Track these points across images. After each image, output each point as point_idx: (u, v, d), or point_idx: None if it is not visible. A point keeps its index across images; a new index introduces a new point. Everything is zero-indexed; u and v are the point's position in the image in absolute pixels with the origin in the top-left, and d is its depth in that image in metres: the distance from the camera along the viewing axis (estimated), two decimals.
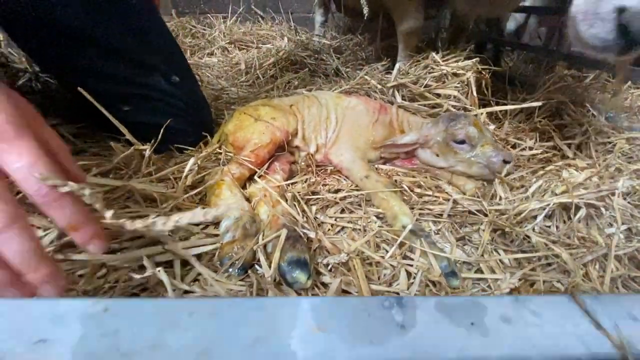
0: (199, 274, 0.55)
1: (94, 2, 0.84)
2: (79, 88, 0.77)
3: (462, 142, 0.83)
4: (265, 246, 0.59)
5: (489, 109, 1.02)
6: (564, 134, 1.03)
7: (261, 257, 0.56)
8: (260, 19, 2.74)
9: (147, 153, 0.76)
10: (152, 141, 0.80)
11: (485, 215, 0.68)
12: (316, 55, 1.80)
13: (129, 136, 0.79)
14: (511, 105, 1.00)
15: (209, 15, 2.72)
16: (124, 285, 0.52)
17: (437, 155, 0.87)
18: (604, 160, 0.88)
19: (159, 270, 0.49)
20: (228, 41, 2.22)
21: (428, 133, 0.88)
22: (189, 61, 1.91)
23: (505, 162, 0.79)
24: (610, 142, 0.98)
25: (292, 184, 0.83)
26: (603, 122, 1.04)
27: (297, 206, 0.71)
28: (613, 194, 0.67)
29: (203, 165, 0.90)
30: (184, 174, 0.74)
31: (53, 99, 1.04)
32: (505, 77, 1.42)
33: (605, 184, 0.71)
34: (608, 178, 0.77)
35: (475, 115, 1.02)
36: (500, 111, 1.06)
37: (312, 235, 0.61)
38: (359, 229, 0.73)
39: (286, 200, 0.70)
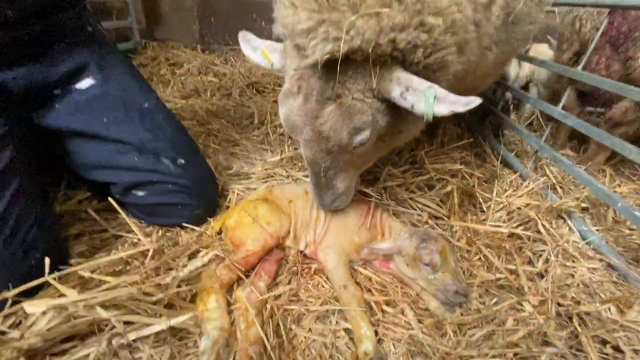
0: None
1: (114, 110, 1.00)
2: (109, 199, 0.93)
3: (427, 264, 0.92)
4: None
5: (462, 224, 1.12)
6: (531, 249, 1.12)
7: None
8: None
9: (150, 252, 0.89)
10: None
11: (433, 354, 0.79)
12: None
13: (140, 235, 0.93)
14: (481, 226, 1.10)
15: (231, 48, 2.88)
16: None
17: (407, 265, 0.97)
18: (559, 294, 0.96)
19: None
20: (247, 83, 2.36)
21: (401, 245, 0.98)
22: (210, 101, 2.08)
23: (459, 294, 0.88)
24: (574, 269, 1.06)
25: (275, 289, 0.96)
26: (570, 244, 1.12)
27: (271, 322, 0.84)
28: None
29: (203, 245, 1.04)
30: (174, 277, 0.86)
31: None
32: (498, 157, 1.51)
33: None
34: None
35: (451, 226, 1.13)
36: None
37: None
38: (329, 344, 0.84)
39: (262, 319, 0.83)
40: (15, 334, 0.67)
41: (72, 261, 0.86)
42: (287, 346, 0.83)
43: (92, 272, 0.81)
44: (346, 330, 0.88)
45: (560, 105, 1.39)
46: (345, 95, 0.80)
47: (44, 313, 0.69)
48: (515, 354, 0.77)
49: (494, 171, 1.53)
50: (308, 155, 0.91)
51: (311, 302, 0.95)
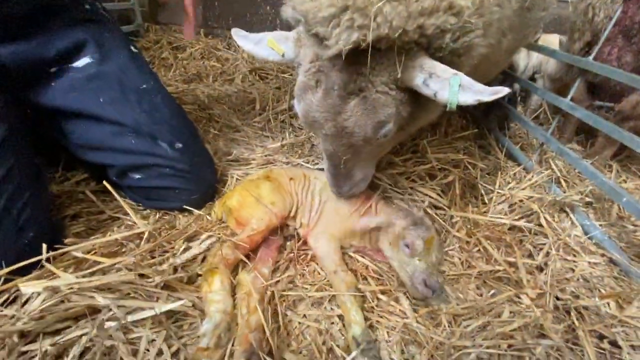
0: None
1: (110, 90, 0.98)
2: (104, 182, 0.92)
3: (407, 246, 0.91)
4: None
5: (463, 215, 1.10)
6: (532, 243, 1.11)
7: None
8: None
9: (145, 235, 0.89)
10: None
11: (426, 344, 0.79)
12: None
13: (134, 217, 0.92)
14: (481, 217, 1.09)
15: None
16: None
17: (389, 244, 0.96)
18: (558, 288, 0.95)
19: None
20: (249, 69, 2.32)
21: (394, 220, 0.97)
22: (212, 86, 2.06)
23: (427, 287, 0.87)
24: (575, 264, 1.05)
25: (273, 275, 0.95)
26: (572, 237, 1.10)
27: (269, 308, 0.83)
28: None
29: (202, 227, 1.03)
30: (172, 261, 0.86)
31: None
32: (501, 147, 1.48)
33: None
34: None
35: (451, 217, 1.11)
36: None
37: None
38: (323, 330, 0.84)
39: (264, 305, 0.82)
40: (8, 312, 0.67)
41: (66, 241, 0.86)
42: (283, 331, 0.83)
43: (87, 253, 0.81)
44: (340, 316, 0.87)
45: (569, 96, 1.35)
46: (369, 88, 0.76)
47: (38, 294, 0.69)
48: (509, 346, 0.76)
49: (497, 163, 1.50)
50: (328, 149, 0.89)
51: (307, 288, 0.94)
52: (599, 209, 1.28)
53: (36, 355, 0.64)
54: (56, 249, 0.81)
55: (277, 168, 1.17)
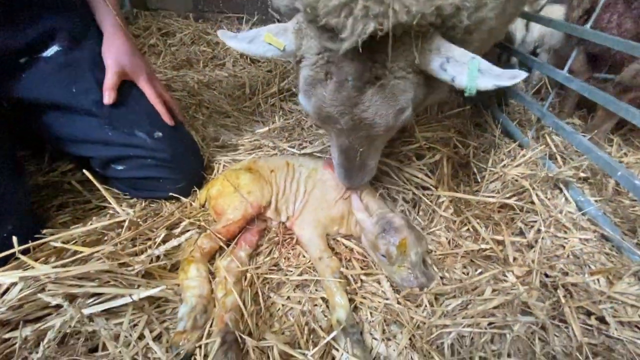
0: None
1: (82, 79, 0.96)
2: (84, 171, 0.91)
3: (383, 256, 0.88)
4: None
5: (450, 194, 1.08)
6: (523, 220, 1.08)
7: (198, 356, 0.69)
8: (276, 21, 2.74)
9: (126, 224, 0.89)
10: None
11: (407, 323, 0.78)
12: None
13: (115, 206, 0.92)
14: (470, 196, 1.06)
15: (226, 16, 2.76)
16: None
17: (371, 249, 0.94)
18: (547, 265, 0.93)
19: None
20: (240, 53, 2.27)
21: (367, 227, 0.93)
22: (202, 72, 2.03)
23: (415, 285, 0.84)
24: (565, 241, 1.03)
25: (256, 258, 0.95)
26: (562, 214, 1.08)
27: (250, 290, 0.84)
28: None
29: (184, 215, 1.04)
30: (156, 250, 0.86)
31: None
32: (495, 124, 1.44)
33: None
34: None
35: (437, 197, 1.09)
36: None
37: (248, 341, 0.72)
38: (306, 311, 0.85)
39: (241, 287, 0.83)
40: None
41: (46, 231, 0.86)
42: (265, 313, 0.83)
43: (66, 242, 0.81)
44: (323, 299, 0.87)
45: (566, 68, 1.29)
46: (386, 75, 0.71)
47: (15, 284, 0.70)
48: (489, 323, 0.76)
49: (492, 141, 1.46)
50: (343, 144, 0.85)
51: (291, 271, 0.94)
52: (596, 185, 1.24)
53: (17, 342, 0.66)
54: (37, 239, 0.81)
55: (261, 159, 1.15)
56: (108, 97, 0.97)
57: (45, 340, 0.65)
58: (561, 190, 1.19)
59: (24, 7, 0.90)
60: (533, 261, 0.94)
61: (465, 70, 0.67)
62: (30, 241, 0.78)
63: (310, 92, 0.77)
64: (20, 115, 0.99)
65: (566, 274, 0.93)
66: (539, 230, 1.05)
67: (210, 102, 1.77)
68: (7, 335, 0.68)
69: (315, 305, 0.88)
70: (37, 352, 0.65)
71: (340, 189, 1.04)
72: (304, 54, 0.75)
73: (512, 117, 1.69)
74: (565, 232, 1.04)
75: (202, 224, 1.00)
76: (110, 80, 0.97)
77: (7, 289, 0.71)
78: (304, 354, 0.72)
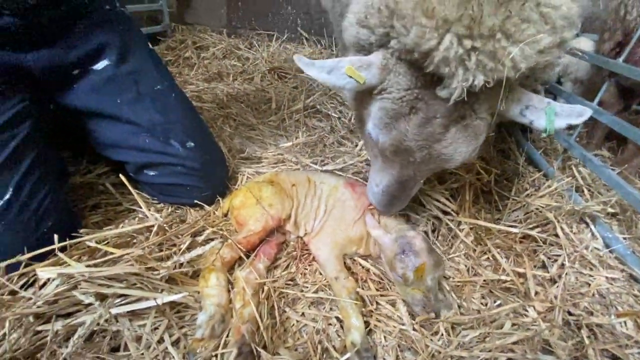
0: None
1: (127, 91, 1.03)
2: (120, 175, 0.97)
3: (400, 276, 0.87)
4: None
5: (472, 221, 1.07)
6: (546, 254, 1.06)
7: None
8: (304, 40, 2.84)
9: (154, 229, 0.93)
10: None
11: (422, 351, 0.77)
12: (340, 108, 1.89)
13: (146, 211, 0.97)
14: (492, 224, 1.05)
15: (257, 33, 2.88)
16: None
17: (388, 268, 0.93)
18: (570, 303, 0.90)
19: None
20: (269, 68, 2.36)
21: (385, 245, 0.93)
22: (231, 85, 2.12)
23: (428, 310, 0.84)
24: (591, 278, 0.99)
25: (273, 272, 0.97)
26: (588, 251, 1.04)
27: (267, 304, 0.85)
28: None
29: (208, 223, 1.07)
30: (178, 259, 0.89)
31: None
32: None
33: None
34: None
35: (458, 223, 1.08)
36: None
37: (263, 354, 0.74)
38: (320, 329, 0.85)
39: (259, 299, 0.85)
40: (26, 294, 0.73)
41: (82, 231, 0.91)
42: (279, 328, 0.84)
43: (99, 242, 0.86)
44: (338, 318, 0.88)
45: (596, 100, 1.27)
46: (471, 116, 0.76)
47: (53, 279, 0.75)
48: (508, 359, 0.74)
49: (516, 168, 1.44)
50: (405, 175, 0.87)
51: (307, 287, 0.95)
52: (624, 221, 1.20)
53: (48, 335, 0.70)
54: (73, 238, 0.87)
55: (283, 172, 1.18)
56: None
57: (75, 336, 0.69)
58: (587, 225, 1.16)
59: (79, 25, 0.99)
60: (556, 297, 0.92)
61: (542, 115, 0.73)
62: (67, 239, 0.84)
63: (390, 125, 0.78)
64: (67, 120, 1.07)
65: (591, 313, 0.90)
66: (562, 265, 1.02)
67: (238, 114, 1.83)
68: (39, 328, 0.72)
69: (330, 324, 0.88)
70: (66, 347, 0.69)
71: (359, 210, 1.05)
72: (386, 88, 0.77)
73: (537, 146, 1.66)
74: (591, 269, 1.01)
75: (225, 233, 1.03)
76: None
77: (44, 284, 0.76)
78: None
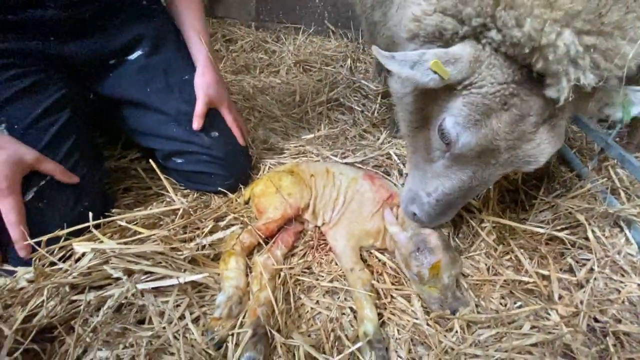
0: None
1: (156, 81, 1.08)
2: (150, 160, 1.03)
3: (415, 275, 0.87)
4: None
5: (495, 220, 1.04)
6: (574, 257, 1.01)
7: (230, 344, 0.74)
8: (331, 33, 2.83)
9: (180, 212, 0.98)
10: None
11: (435, 347, 0.77)
12: (364, 101, 1.87)
13: (173, 195, 1.02)
14: (516, 224, 1.01)
15: (284, 26, 2.90)
16: None
17: (404, 265, 0.93)
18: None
19: None
20: (294, 61, 2.38)
21: (400, 243, 0.93)
22: (258, 78, 2.17)
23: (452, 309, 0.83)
24: (622, 284, 0.94)
25: (290, 259, 0.99)
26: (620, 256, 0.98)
27: (282, 289, 0.88)
28: None
29: (230, 209, 1.11)
30: (201, 241, 0.94)
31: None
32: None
33: None
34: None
35: (480, 221, 1.05)
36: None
37: (277, 337, 0.76)
38: (334, 318, 0.87)
39: (275, 284, 0.87)
40: (63, 265, 0.80)
41: (113, 211, 0.98)
42: (294, 313, 0.87)
43: (129, 222, 0.91)
44: (352, 309, 0.89)
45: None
46: (558, 116, 0.71)
47: (87, 253, 0.81)
48: None
49: (547, 167, 1.38)
50: (480, 178, 0.80)
51: (322, 276, 0.97)
52: None
53: (81, 304, 0.75)
54: (106, 217, 0.93)
55: (303, 163, 1.20)
56: (197, 124, 1.10)
57: (105, 307, 0.74)
58: (622, 230, 1.09)
59: (117, 18, 1.05)
60: (581, 302, 0.88)
61: (620, 108, 0.69)
62: (101, 218, 0.90)
63: (479, 123, 0.71)
64: (103, 107, 1.14)
65: (619, 321, 0.85)
66: (591, 270, 0.97)
67: (263, 106, 1.87)
68: (75, 297, 0.78)
69: (343, 314, 0.89)
70: (97, 316, 0.75)
71: (377, 202, 1.05)
72: (476, 82, 0.70)
73: (571, 144, 1.58)
74: (622, 276, 0.95)
75: (245, 219, 1.06)
76: (200, 109, 1.10)
77: (79, 258, 0.82)
78: (327, 359, 0.74)
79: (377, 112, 1.83)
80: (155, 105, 1.08)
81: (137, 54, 1.07)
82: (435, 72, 0.68)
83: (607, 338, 0.80)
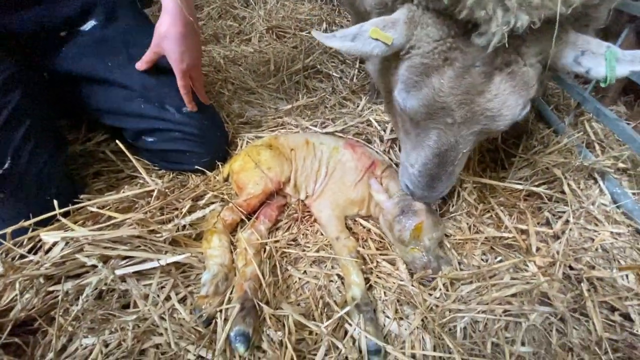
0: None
1: (116, 53, 0.99)
2: (116, 141, 0.96)
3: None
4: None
5: (475, 179, 1.05)
6: (551, 211, 1.04)
7: (219, 320, 0.74)
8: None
9: (155, 193, 0.94)
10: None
11: (420, 305, 0.79)
12: (342, 67, 1.81)
13: (145, 176, 0.97)
14: (496, 182, 1.02)
15: None
16: None
17: (387, 230, 0.94)
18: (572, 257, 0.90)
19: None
20: (266, 27, 2.25)
21: (387, 207, 0.94)
22: (228, 47, 2.04)
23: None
24: (595, 233, 0.98)
25: (275, 233, 0.98)
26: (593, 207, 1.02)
27: (269, 263, 0.87)
28: None
29: (209, 187, 1.08)
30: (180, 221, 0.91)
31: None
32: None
33: None
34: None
35: (461, 182, 1.06)
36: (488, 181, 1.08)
37: (265, 309, 0.76)
38: (322, 286, 0.87)
39: (260, 259, 0.86)
40: (34, 257, 0.76)
41: (83, 197, 0.92)
42: (282, 285, 0.87)
43: (101, 208, 0.87)
44: (339, 275, 0.90)
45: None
46: (517, 62, 0.66)
47: (57, 243, 0.77)
48: (505, 311, 0.75)
49: (525, 125, 1.39)
50: (445, 144, 0.76)
51: (308, 247, 0.97)
52: (635, 177, 1.16)
53: (59, 295, 0.73)
54: (75, 204, 0.88)
55: (282, 136, 1.16)
56: (139, 65, 1.00)
57: (84, 295, 0.71)
58: (596, 181, 1.12)
59: None
60: (558, 252, 0.91)
61: (601, 61, 0.63)
62: (70, 205, 0.85)
63: (420, 83, 0.70)
64: (61, 87, 1.05)
65: (592, 267, 0.90)
66: (567, 222, 1.01)
67: (236, 78, 1.77)
68: (51, 288, 0.75)
69: (331, 281, 0.90)
70: (77, 305, 0.72)
71: (360, 171, 1.03)
72: (414, 44, 0.69)
73: (549, 101, 1.59)
74: (596, 225, 1.00)
75: (225, 197, 1.03)
76: (146, 56, 1.00)
77: (50, 248, 0.78)
78: (317, 326, 0.75)
79: (356, 78, 1.78)
80: (119, 81, 1.00)
81: (90, 24, 0.97)
82: (377, 39, 0.68)
83: (582, 284, 0.84)
